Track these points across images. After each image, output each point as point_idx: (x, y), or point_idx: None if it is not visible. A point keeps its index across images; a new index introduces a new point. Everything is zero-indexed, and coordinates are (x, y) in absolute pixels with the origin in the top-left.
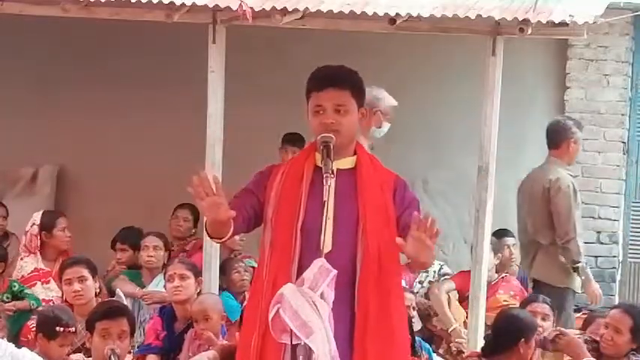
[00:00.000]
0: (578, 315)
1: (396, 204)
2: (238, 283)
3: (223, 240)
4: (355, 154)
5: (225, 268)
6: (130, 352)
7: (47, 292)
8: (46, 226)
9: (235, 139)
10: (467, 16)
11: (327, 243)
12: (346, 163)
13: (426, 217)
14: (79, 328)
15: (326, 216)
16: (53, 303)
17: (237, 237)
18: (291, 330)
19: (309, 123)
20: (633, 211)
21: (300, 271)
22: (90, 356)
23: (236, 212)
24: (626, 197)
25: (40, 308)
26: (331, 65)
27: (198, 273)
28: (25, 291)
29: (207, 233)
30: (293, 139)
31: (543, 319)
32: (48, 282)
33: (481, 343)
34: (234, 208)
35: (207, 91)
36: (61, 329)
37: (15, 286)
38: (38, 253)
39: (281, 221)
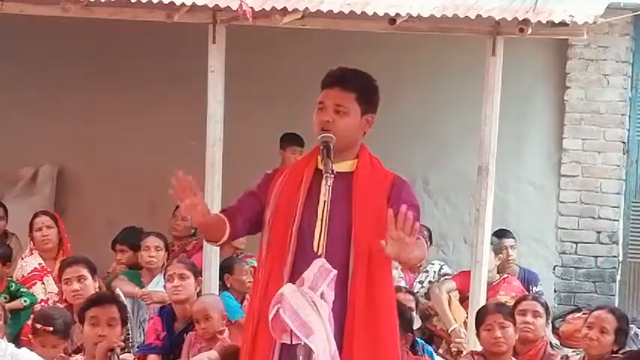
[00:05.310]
0: (578, 315)
1: (389, 202)
2: (247, 284)
3: (220, 243)
4: (357, 157)
5: (231, 268)
6: (124, 345)
7: (47, 290)
8: (30, 228)
9: (235, 139)
10: (467, 16)
11: (322, 244)
12: (345, 166)
13: (402, 213)
14: (78, 328)
15: (324, 216)
16: (50, 302)
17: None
18: (291, 330)
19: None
20: (633, 211)
21: (294, 272)
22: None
23: (236, 214)
24: (626, 197)
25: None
26: (347, 67)
27: (197, 273)
28: (22, 290)
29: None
30: (291, 139)
31: (534, 316)
32: (47, 276)
33: None
34: (235, 210)
35: (207, 91)
36: (39, 326)
37: (12, 286)
38: (36, 253)
39: (278, 223)
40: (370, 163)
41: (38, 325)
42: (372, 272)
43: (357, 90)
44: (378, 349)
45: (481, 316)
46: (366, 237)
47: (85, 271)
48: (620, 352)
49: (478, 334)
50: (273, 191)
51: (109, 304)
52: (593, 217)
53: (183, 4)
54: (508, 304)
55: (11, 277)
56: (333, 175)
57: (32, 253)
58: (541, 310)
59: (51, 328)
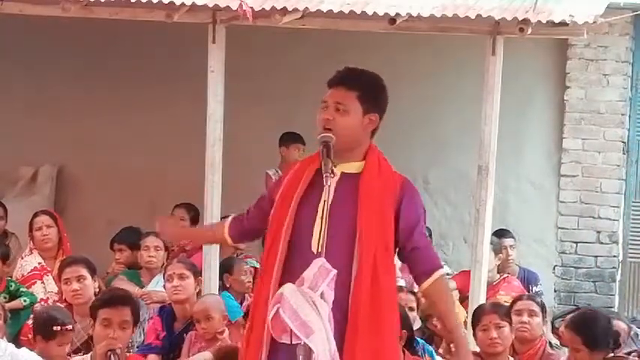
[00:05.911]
0: None
1: (400, 216)
2: (246, 284)
3: (230, 243)
4: (365, 158)
5: (230, 268)
6: (128, 349)
7: (47, 289)
8: (29, 228)
9: (235, 139)
10: (467, 16)
11: (321, 244)
12: (351, 167)
13: None
14: (77, 328)
15: (324, 216)
16: (49, 301)
17: None
18: (291, 330)
19: None
20: (633, 211)
21: (288, 270)
22: (90, 352)
23: (242, 220)
24: (626, 197)
25: (35, 309)
26: (354, 67)
27: (197, 273)
28: (22, 289)
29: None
30: (293, 138)
31: (530, 315)
32: (47, 275)
33: None
34: (246, 216)
35: (207, 91)
36: (59, 328)
37: (12, 286)
38: (36, 252)
39: (274, 220)
40: (378, 165)
41: (56, 328)
42: (378, 274)
43: (360, 89)
44: (380, 350)
45: (477, 317)
46: (372, 239)
47: (84, 271)
48: (624, 351)
49: (474, 335)
50: (279, 190)
51: (122, 306)
52: (593, 217)
53: (183, 4)
54: (507, 304)
55: (11, 277)
56: (333, 175)
57: (32, 253)
58: (537, 309)
59: (70, 327)
